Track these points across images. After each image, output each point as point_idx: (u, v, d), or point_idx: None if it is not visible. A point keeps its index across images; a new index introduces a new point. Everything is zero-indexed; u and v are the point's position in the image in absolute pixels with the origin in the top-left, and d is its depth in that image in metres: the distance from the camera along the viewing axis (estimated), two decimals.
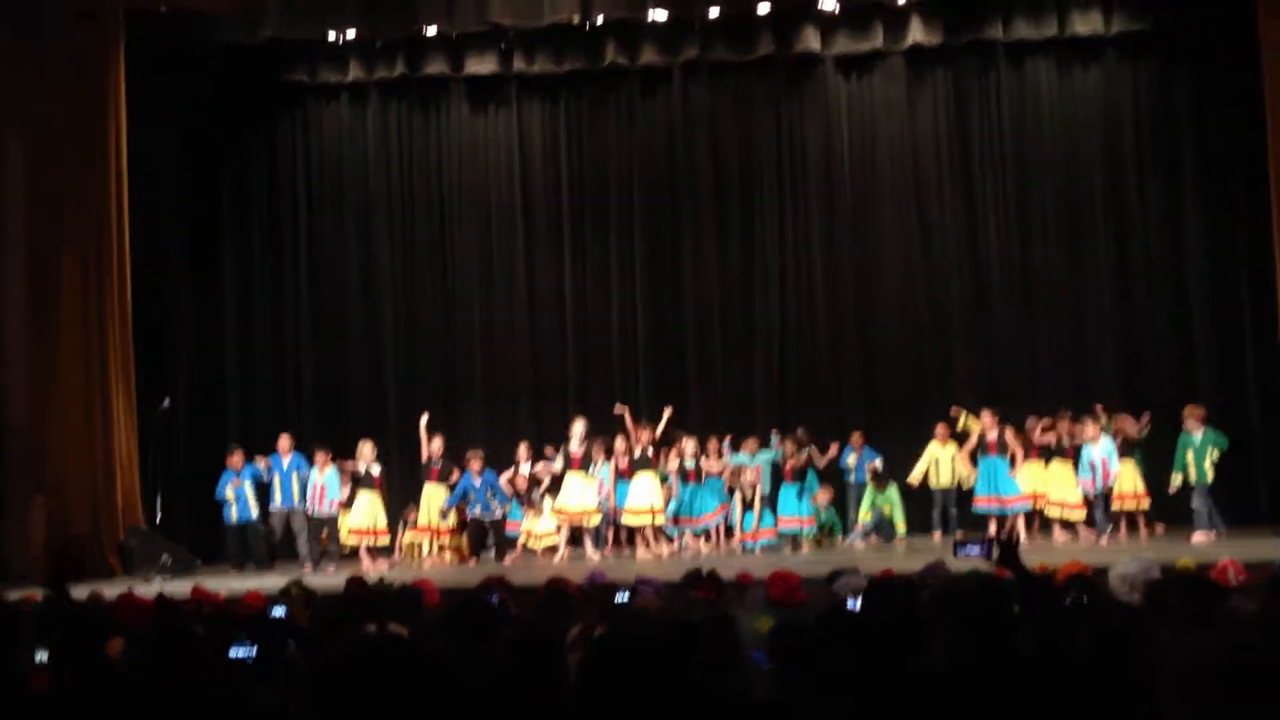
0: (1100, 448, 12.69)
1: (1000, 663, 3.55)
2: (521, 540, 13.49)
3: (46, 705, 3.77)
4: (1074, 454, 12.97)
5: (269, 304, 15.74)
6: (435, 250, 15.79)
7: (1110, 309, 14.82)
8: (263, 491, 13.69)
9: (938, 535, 13.55)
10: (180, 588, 9.83)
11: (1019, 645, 3.74)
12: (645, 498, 13.08)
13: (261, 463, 13.62)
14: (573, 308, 15.58)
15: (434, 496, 13.52)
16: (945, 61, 15.22)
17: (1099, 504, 12.84)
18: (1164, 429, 13.20)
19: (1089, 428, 12.77)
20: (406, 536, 13.87)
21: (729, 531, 13.53)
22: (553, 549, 13.35)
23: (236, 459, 13.53)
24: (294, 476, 13.56)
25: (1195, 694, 1.82)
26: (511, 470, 13.61)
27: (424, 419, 13.69)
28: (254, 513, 13.49)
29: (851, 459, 13.99)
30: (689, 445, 13.46)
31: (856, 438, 14.08)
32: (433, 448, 13.58)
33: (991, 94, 15.25)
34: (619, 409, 13.69)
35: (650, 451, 13.27)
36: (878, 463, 13.89)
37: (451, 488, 13.44)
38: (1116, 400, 13.44)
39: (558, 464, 13.42)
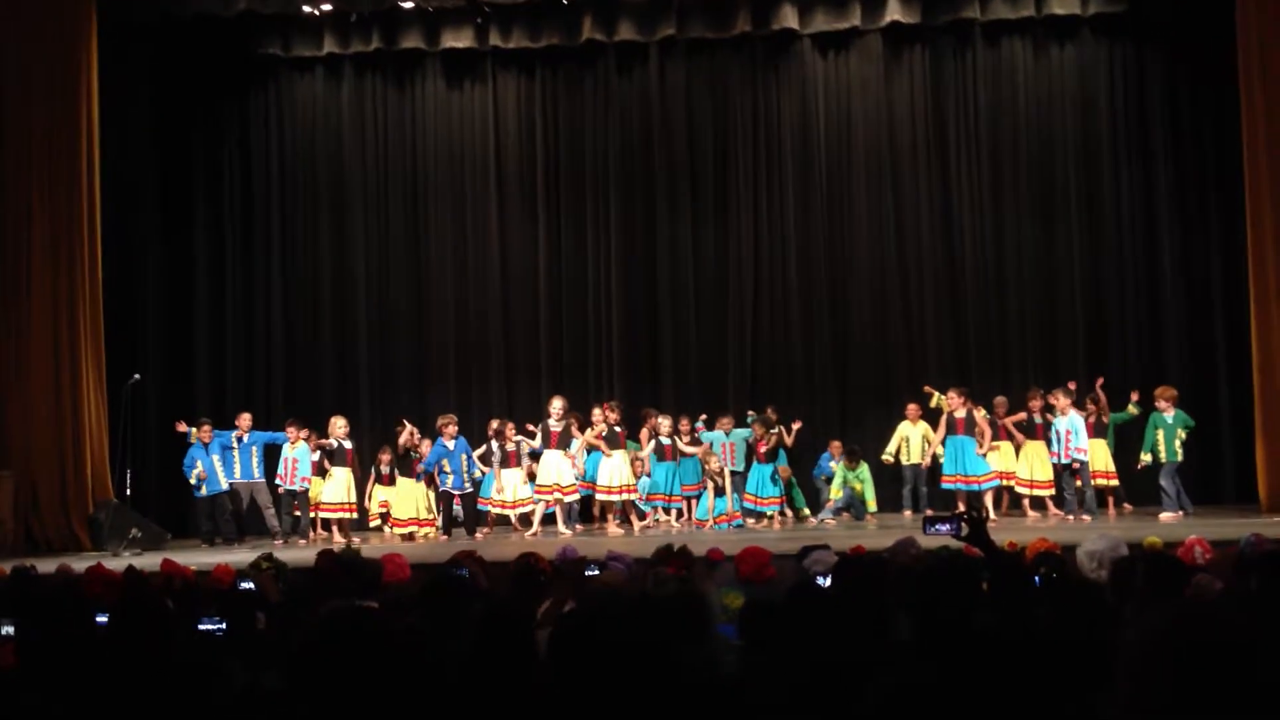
0: (1067, 420, 12.75)
1: (965, 639, 3.58)
2: (495, 509, 13.45)
3: (14, 679, 3.75)
4: (1044, 432, 13.05)
5: (240, 278, 15.66)
6: (409, 225, 15.73)
7: (1081, 289, 14.88)
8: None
9: (908, 513, 13.62)
10: (150, 561, 9.79)
11: (985, 622, 3.77)
12: (615, 475, 13.08)
13: (244, 430, 13.54)
14: (546, 285, 15.54)
15: (414, 491, 13.35)
16: (922, 40, 15.22)
17: (1068, 481, 12.89)
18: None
19: (1060, 399, 12.81)
20: (376, 497, 13.72)
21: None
22: (526, 520, 13.33)
23: (205, 433, 13.46)
24: (252, 452, 13.51)
25: (1151, 668, 1.83)
26: (484, 447, 13.58)
27: (412, 433, 13.35)
28: (223, 485, 13.43)
29: (834, 465, 13.91)
30: (663, 423, 13.48)
31: (836, 446, 14.04)
32: (414, 441, 13.41)
33: (968, 73, 15.25)
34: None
35: (619, 429, 13.26)
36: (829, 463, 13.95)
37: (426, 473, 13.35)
38: (1084, 380, 13.49)
39: (537, 441, 13.41)
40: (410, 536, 13.06)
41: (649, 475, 13.56)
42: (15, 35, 13.41)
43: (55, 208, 13.52)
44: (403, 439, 13.22)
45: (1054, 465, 12.92)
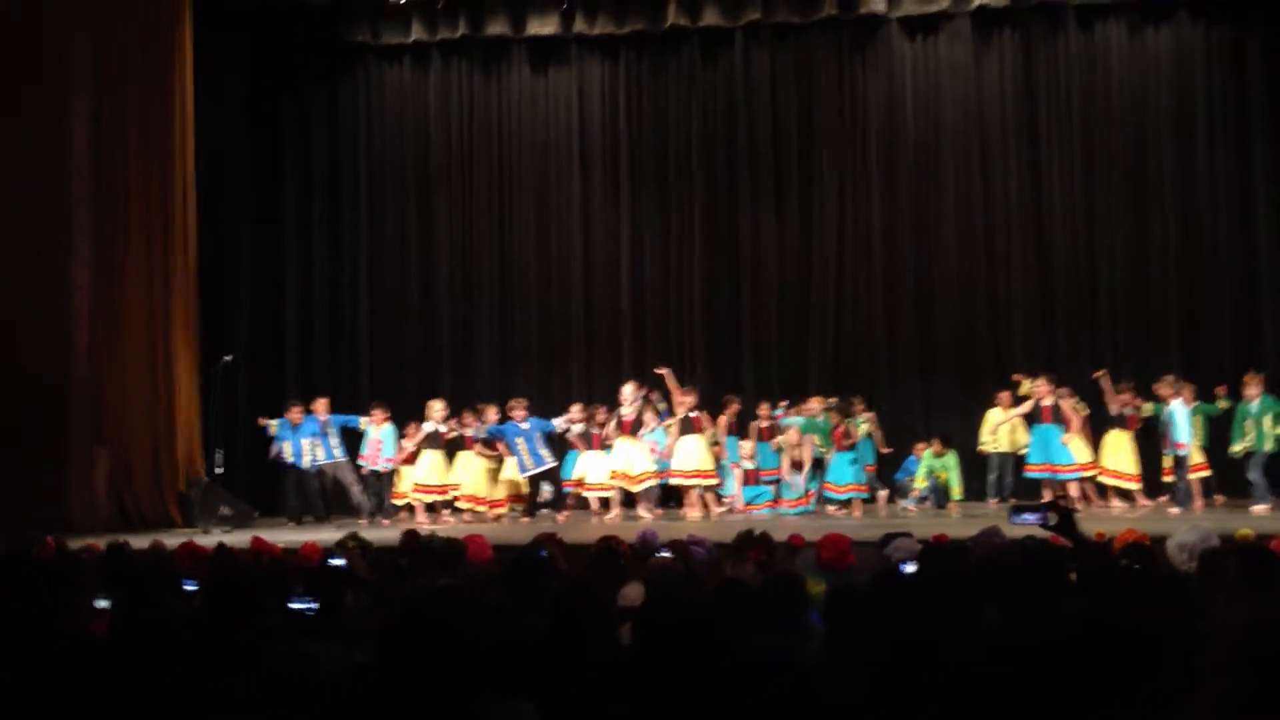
0: (1169, 410, 12.45)
1: (1052, 630, 3.53)
2: (573, 490, 13.50)
3: (106, 651, 3.85)
4: (1135, 423, 12.81)
5: (329, 262, 15.91)
6: (493, 211, 15.84)
7: (1175, 277, 14.57)
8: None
9: (994, 502, 13.46)
10: (239, 539, 9.96)
11: (1072, 613, 3.71)
12: (690, 460, 13.05)
13: (322, 415, 13.73)
14: (629, 271, 15.57)
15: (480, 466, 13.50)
16: (1013, 23, 14.99)
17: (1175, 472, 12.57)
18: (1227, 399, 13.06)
19: (1162, 389, 12.53)
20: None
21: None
22: (604, 503, 13.39)
23: (295, 414, 13.67)
24: (331, 434, 13.69)
25: (1240, 663, 1.77)
26: (566, 428, 13.63)
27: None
28: (308, 465, 13.63)
29: (921, 471, 13.67)
30: (763, 411, 13.46)
31: (920, 448, 13.79)
32: (487, 417, 13.52)
33: (1060, 57, 14.98)
34: (660, 370, 13.65)
35: (694, 414, 13.20)
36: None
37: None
38: (1178, 369, 13.21)
39: (611, 427, 13.44)
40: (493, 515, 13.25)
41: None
42: (111, 17, 13.68)
43: (150, 192, 13.81)
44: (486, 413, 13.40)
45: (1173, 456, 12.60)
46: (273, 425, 13.72)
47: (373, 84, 16.09)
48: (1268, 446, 12.32)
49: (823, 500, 13.14)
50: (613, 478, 13.20)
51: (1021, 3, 14.62)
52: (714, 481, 13.28)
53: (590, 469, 13.37)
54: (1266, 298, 14.32)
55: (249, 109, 15.64)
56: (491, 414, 13.34)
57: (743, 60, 15.41)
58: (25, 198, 13.02)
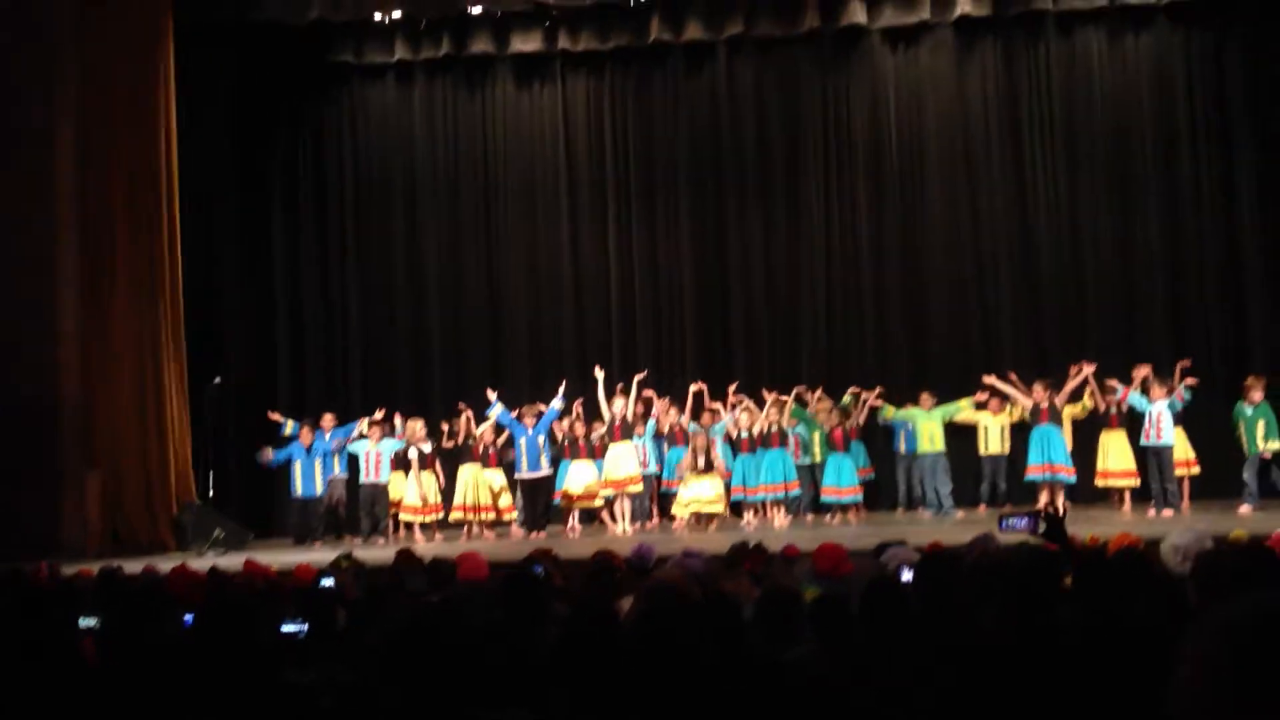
0: (1158, 405, 12.48)
1: (1047, 636, 3.53)
2: (561, 502, 13.50)
3: (97, 676, 3.83)
4: (1119, 421, 12.83)
5: (317, 281, 15.89)
6: (480, 227, 15.86)
7: (1161, 280, 14.60)
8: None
9: (982, 508, 13.44)
10: (233, 562, 9.94)
11: (1067, 618, 3.71)
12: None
13: (329, 432, 13.74)
14: (618, 285, 15.58)
15: (479, 478, 13.45)
16: (994, 32, 15.05)
17: (1153, 470, 12.59)
18: (1216, 399, 13.10)
19: (1155, 388, 12.55)
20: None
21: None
22: (591, 514, 13.48)
23: (306, 435, 13.62)
24: (335, 451, 13.71)
25: (1221, 667, 1.67)
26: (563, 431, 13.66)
27: (469, 419, 13.63)
28: (318, 490, 13.59)
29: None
30: (743, 417, 13.43)
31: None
32: (478, 431, 13.51)
33: (1041, 65, 15.04)
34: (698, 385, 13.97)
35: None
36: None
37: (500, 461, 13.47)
38: (1166, 370, 13.24)
39: (602, 432, 13.47)
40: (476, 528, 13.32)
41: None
42: (96, 41, 13.69)
43: (136, 214, 13.80)
44: (466, 422, 13.48)
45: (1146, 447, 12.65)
46: (289, 424, 13.69)
47: (357, 103, 16.11)
48: (1260, 449, 12.33)
49: (822, 505, 13.37)
50: (604, 486, 13.20)
51: (1003, 12, 14.66)
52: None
53: (578, 480, 13.35)
54: (1251, 297, 14.34)
55: (234, 129, 15.63)
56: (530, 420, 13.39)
57: (726, 73, 15.47)
58: (10, 221, 13.03)
